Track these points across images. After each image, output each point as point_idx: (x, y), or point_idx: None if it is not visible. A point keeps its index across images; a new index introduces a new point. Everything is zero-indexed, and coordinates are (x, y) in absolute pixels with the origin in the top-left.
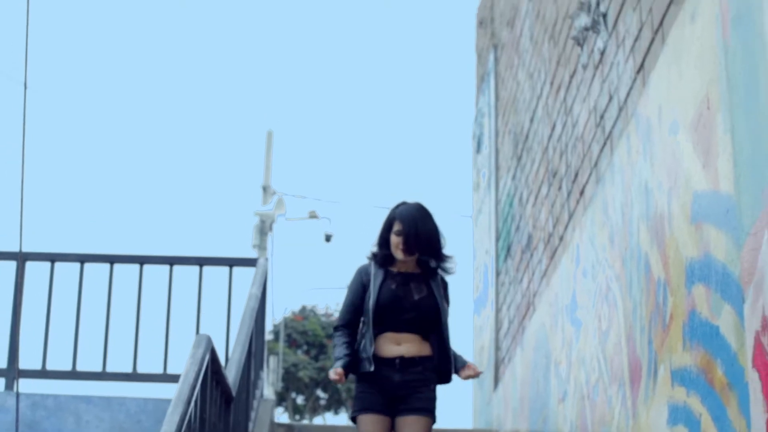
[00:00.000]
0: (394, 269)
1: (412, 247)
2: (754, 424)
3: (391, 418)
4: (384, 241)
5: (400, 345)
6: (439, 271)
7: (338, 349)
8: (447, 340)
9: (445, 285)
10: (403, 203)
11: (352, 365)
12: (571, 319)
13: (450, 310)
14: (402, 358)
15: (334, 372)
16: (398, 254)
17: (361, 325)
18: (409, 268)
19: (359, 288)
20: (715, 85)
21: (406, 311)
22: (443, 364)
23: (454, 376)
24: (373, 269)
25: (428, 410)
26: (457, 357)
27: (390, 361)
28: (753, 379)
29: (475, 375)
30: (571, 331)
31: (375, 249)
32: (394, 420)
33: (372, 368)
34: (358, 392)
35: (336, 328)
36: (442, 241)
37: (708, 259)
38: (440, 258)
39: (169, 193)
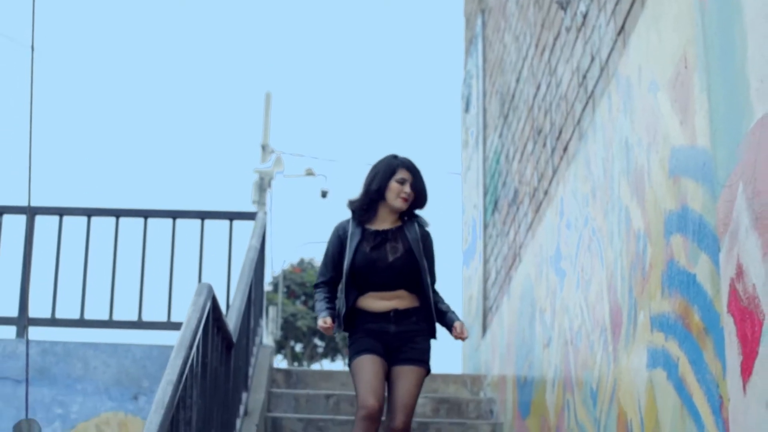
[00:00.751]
0: (372, 227)
1: (417, 200)
2: (729, 367)
3: (387, 363)
4: (377, 189)
5: (390, 300)
6: (418, 221)
7: (319, 304)
8: (428, 296)
9: (425, 237)
10: (395, 156)
11: (344, 323)
12: (555, 269)
13: (438, 259)
14: (396, 311)
15: (323, 321)
16: (398, 203)
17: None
18: (387, 223)
19: (337, 244)
20: (692, 45)
21: (380, 273)
22: (428, 319)
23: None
24: (350, 227)
25: (423, 361)
26: (446, 314)
27: (384, 315)
28: (728, 323)
29: (463, 337)
30: (555, 281)
31: (356, 202)
32: (389, 370)
33: (341, 328)
34: (354, 340)
35: (316, 285)
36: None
37: (685, 210)
38: (422, 206)
39: (173, 152)
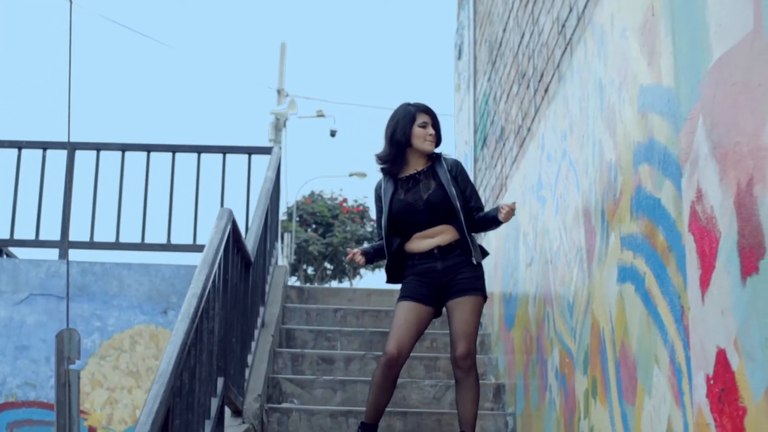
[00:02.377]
0: (403, 174)
1: (440, 138)
2: (690, 280)
3: (437, 308)
4: (403, 137)
5: (433, 238)
6: (447, 158)
7: (374, 245)
8: (462, 226)
9: (453, 166)
10: (409, 103)
11: (393, 276)
12: (536, 196)
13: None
14: (439, 247)
15: (356, 252)
16: (426, 146)
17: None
18: (418, 165)
19: (379, 204)
20: None
21: (420, 213)
22: (468, 249)
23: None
24: (384, 183)
25: (474, 289)
26: (487, 213)
27: (429, 253)
28: (689, 241)
29: (511, 210)
30: (537, 207)
31: (383, 156)
32: (446, 307)
33: (386, 279)
34: (403, 285)
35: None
36: None
37: (652, 142)
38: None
39: (200, 96)
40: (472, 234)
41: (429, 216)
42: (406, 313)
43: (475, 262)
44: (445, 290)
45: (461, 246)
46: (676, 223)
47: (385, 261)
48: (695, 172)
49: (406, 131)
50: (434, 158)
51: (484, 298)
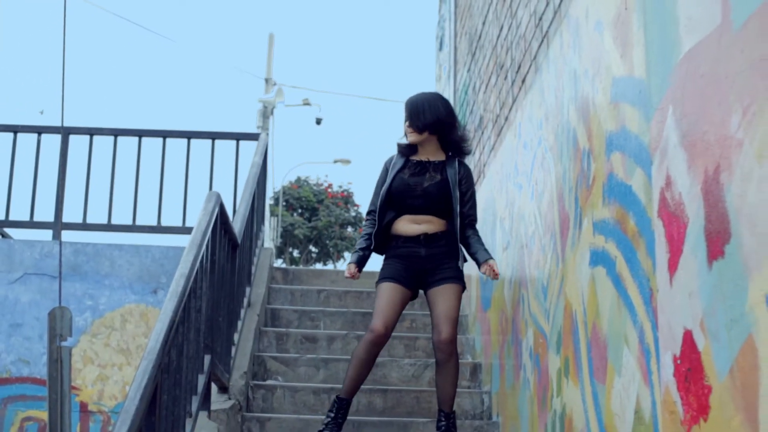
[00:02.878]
0: (416, 158)
1: (417, 127)
2: (659, 263)
3: (414, 291)
4: (404, 133)
5: (420, 224)
6: (464, 161)
7: (359, 241)
8: (457, 222)
9: (464, 172)
10: (415, 95)
11: (377, 247)
12: (513, 183)
13: (472, 195)
14: (426, 235)
15: (347, 270)
16: (408, 137)
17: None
18: (431, 155)
19: (383, 176)
20: None
21: (415, 197)
22: (455, 243)
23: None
24: (395, 159)
25: (458, 278)
26: (478, 250)
27: (415, 238)
28: (658, 226)
29: (492, 276)
30: (513, 193)
31: (402, 140)
32: (426, 293)
33: (372, 248)
34: (384, 265)
35: (367, 213)
36: (456, 121)
37: (624, 131)
38: (454, 134)
39: (191, 84)
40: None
41: (423, 202)
42: (391, 293)
43: (461, 266)
44: (427, 277)
45: (447, 238)
46: (646, 209)
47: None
48: (665, 160)
49: (404, 128)
50: (451, 157)
51: (464, 287)
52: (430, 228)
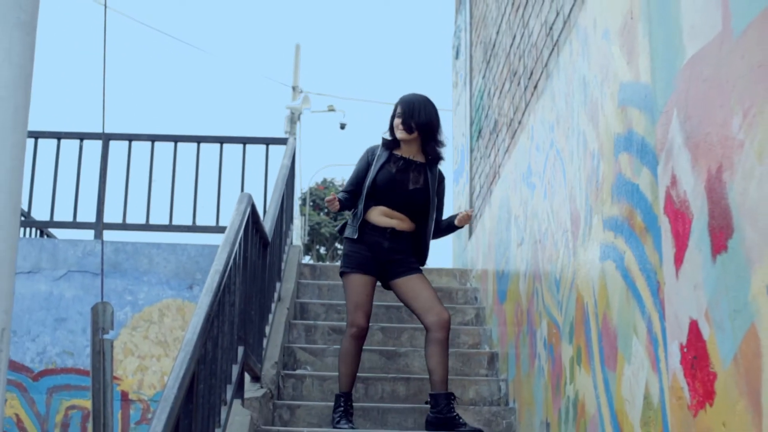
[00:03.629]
0: (399, 153)
1: (409, 126)
2: (665, 257)
3: (379, 279)
4: (391, 125)
5: (391, 219)
6: (440, 168)
7: (339, 194)
8: (427, 228)
9: (441, 179)
10: (403, 95)
11: (342, 228)
12: (526, 183)
13: (445, 199)
14: (393, 230)
15: (331, 195)
16: (398, 133)
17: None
18: (412, 153)
19: (364, 165)
20: (637, 0)
21: (398, 196)
22: (420, 244)
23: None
24: (379, 151)
25: (418, 269)
26: (447, 222)
27: (382, 230)
28: (664, 223)
29: (468, 216)
30: (527, 192)
31: (385, 135)
32: (389, 283)
33: (356, 236)
34: (349, 251)
35: (343, 191)
36: (440, 128)
37: (631, 133)
38: (437, 141)
39: (221, 92)
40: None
41: (403, 202)
42: (364, 287)
43: (419, 266)
44: (392, 267)
45: (411, 239)
46: (652, 206)
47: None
48: (670, 160)
49: (390, 123)
50: (432, 161)
51: None
52: (399, 225)
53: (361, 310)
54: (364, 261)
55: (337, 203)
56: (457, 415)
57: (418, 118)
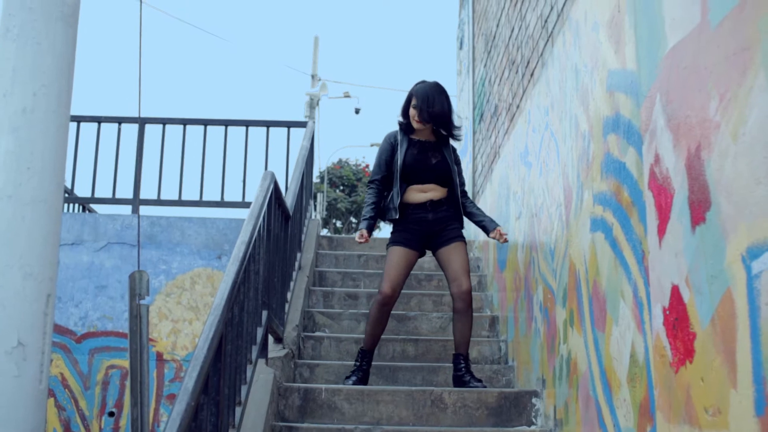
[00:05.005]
0: (415, 137)
1: (425, 118)
2: (649, 229)
3: (422, 253)
4: (405, 112)
5: (426, 193)
6: (450, 140)
7: (366, 209)
8: (455, 191)
9: (455, 151)
10: (422, 82)
11: (382, 215)
12: (524, 162)
13: (461, 167)
14: (431, 201)
15: (359, 235)
16: (415, 124)
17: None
18: (425, 136)
19: (388, 149)
20: None
21: (425, 172)
22: (456, 207)
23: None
24: (399, 136)
25: (461, 237)
26: (485, 218)
27: (422, 205)
28: (648, 197)
29: (502, 240)
30: (524, 170)
31: (400, 119)
32: (436, 253)
33: (397, 216)
34: (394, 230)
35: (370, 182)
36: (453, 115)
37: (618, 116)
38: (450, 127)
39: (246, 79)
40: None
41: (429, 176)
42: (398, 257)
43: (462, 226)
44: (435, 238)
45: (448, 203)
46: (638, 183)
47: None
48: (653, 140)
49: (404, 111)
50: (444, 138)
51: (465, 244)
52: (435, 195)
53: (389, 280)
54: (406, 237)
55: (367, 237)
56: (465, 374)
57: (433, 109)
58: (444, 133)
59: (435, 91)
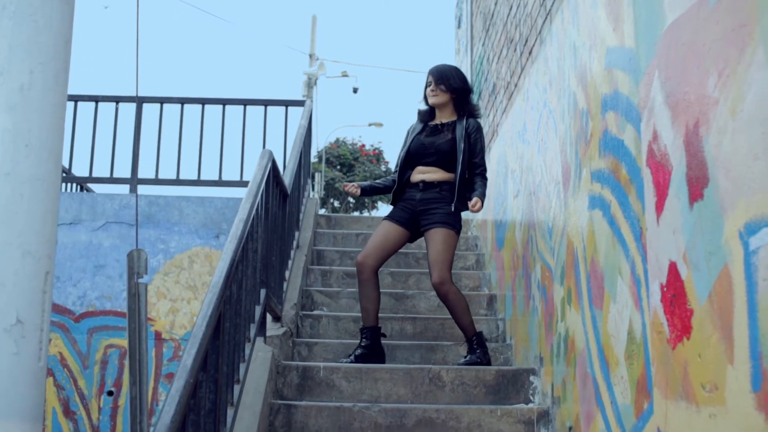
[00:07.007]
0: (434, 122)
1: (444, 87)
2: (647, 206)
3: (411, 232)
4: (424, 98)
5: (424, 174)
6: (472, 121)
7: (380, 180)
8: (463, 173)
9: (476, 128)
10: (438, 64)
11: (377, 192)
12: (522, 140)
13: (481, 146)
14: (424, 182)
15: (352, 185)
16: (431, 99)
17: None
18: (447, 117)
19: (404, 141)
20: None
21: (429, 155)
22: (453, 191)
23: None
24: (415, 125)
25: (446, 223)
26: (475, 190)
27: (415, 185)
28: (646, 174)
29: (471, 210)
30: (522, 148)
31: (420, 107)
32: (423, 235)
33: (391, 193)
34: (391, 210)
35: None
36: (471, 89)
37: (616, 93)
38: (466, 95)
39: (244, 59)
40: (465, 189)
41: (434, 158)
42: (382, 230)
43: (452, 208)
44: (420, 219)
45: (443, 186)
46: (636, 160)
47: (389, 194)
48: (652, 117)
49: (424, 94)
50: (462, 116)
51: (456, 232)
52: (430, 177)
53: (364, 249)
54: (397, 213)
55: (356, 189)
56: (469, 354)
57: (455, 82)
58: (464, 111)
59: (451, 67)
